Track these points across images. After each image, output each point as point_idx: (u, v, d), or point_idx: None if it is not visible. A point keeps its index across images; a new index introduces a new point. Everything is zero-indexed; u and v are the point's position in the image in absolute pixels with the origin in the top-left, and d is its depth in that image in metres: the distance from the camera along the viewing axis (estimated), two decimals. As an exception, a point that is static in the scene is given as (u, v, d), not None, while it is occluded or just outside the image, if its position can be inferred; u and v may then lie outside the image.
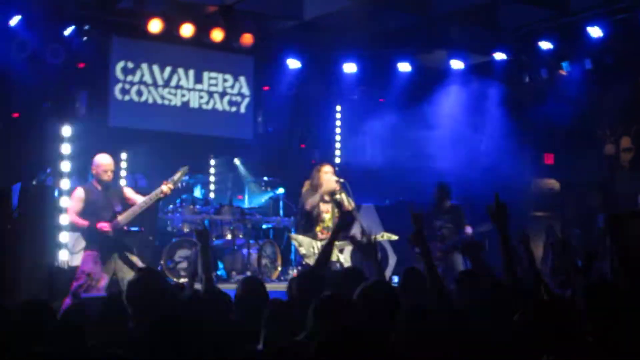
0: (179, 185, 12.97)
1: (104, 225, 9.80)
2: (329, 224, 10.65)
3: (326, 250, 6.82)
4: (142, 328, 5.04)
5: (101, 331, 5.40)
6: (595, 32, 13.44)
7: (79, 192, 10.00)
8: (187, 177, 13.82)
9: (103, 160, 10.07)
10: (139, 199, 10.12)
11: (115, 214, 9.92)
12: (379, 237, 10.78)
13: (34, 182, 12.21)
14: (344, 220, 6.71)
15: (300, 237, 10.55)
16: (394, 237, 11.07)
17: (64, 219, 11.19)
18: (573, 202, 14.85)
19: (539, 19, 14.07)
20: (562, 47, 14.27)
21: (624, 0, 13.03)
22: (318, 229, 10.53)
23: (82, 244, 10.10)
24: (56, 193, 11.68)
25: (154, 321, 4.69)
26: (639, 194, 12.82)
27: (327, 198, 10.70)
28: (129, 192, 10.32)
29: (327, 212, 10.64)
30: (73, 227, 9.96)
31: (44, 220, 11.08)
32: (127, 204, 10.12)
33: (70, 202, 10.10)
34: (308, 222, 10.58)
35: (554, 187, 15.41)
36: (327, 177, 10.67)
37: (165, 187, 10.04)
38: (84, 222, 9.82)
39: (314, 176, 10.79)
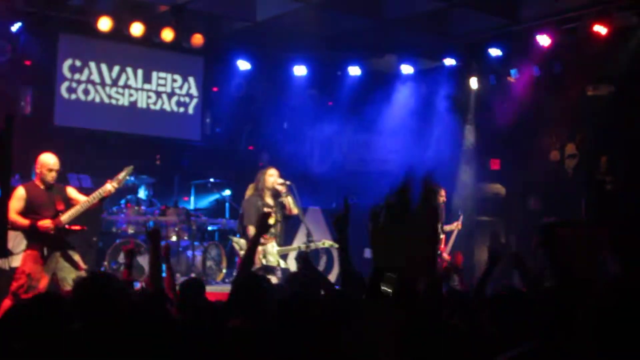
0: (124, 185, 12.87)
1: (46, 223, 9.64)
2: (273, 230, 10.63)
3: (247, 255, 6.71)
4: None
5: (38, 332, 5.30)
6: (543, 40, 13.56)
7: (20, 191, 9.79)
8: (132, 178, 13.71)
9: (48, 159, 9.89)
10: (82, 199, 9.98)
11: (57, 212, 9.76)
12: (319, 245, 10.80)
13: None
14: (262, 221, 6.61)
15: (242, 241, 10.55)
16: (335, 245, 11.08)
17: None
18: (518, 207, 14.97)
19: (489, 27, 14.17)
20: (511, 54, 14.39)
21: (572, 10, 13.17)
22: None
23: (23, 244, 9.94)
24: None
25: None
26: (582, 200, 12.96)
27: (271, 202, 10.68)
28: (73, 192, 10.16)
29: (272, 218, 10.60)
30: (13, 227, 9.75)
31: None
32: (70, 203, 9.97)
33: (12, 201, 9.89)
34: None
35: (499, 192, 15.53)
36: (272, 179, 10.66)
37: (110, 186, 9.89)
38: (25, 222, 9.63)
39: (259, 179, 10.79)
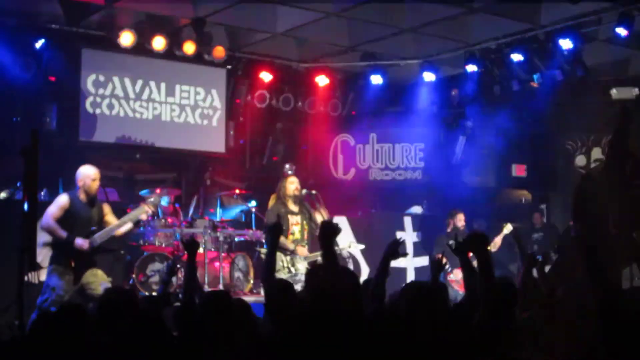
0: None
1: (82, 243, 9.57)
2: (299, 236, 10.65)
3: (268, 261, 6.73)
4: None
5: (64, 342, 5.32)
6: (565, 44, 13.51)
7: (63, 198, 9.68)
8: (158, 191, 13.77)
9: (88, 170, 9.81)
10: (113, 220, 9.93)
11: (92, 231, 9.71)
12: (345, 247, 10.78)
13: (3, 197, 12.11)
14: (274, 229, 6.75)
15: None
16: (361, 246, 11.06)
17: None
18: (543, 213, 14.91)
19: (511, 32, 14.13)
20: (533, 59, 14.33)
21: (594, 14, 13.12)
22: (290, 240, 10.50)
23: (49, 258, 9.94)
24: (25, 207, 11.54)
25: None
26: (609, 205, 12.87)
27: (295, 209, 10.70)
28: (108, 211, 10.10)
29: (297, 225, 10.61)
30: (50, 233, 9.67)
31: (14, 235, 10.93)
32: (103, 220, 9.94)
33: (52, 207, 9.81)
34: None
35: (525, 198, 15.48)
36: (293, 187, 10.69)
37: (148, 208, 9.95)
38: (62, 234, 9.56)
39: (280, 188, 10.82)
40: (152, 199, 10.19)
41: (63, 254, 9.62)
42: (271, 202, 11.02)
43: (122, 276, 11.56)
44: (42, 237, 9.81)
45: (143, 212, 9.96)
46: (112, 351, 5.03)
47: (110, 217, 9.94)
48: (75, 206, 9.67)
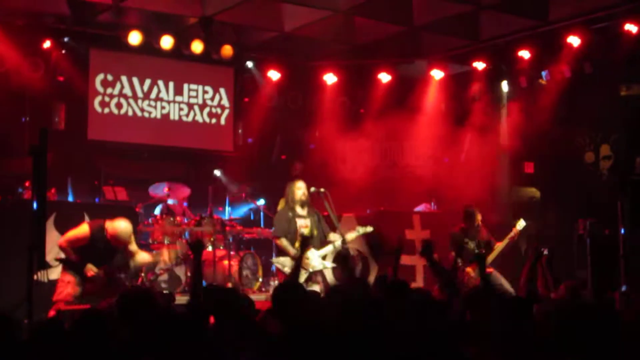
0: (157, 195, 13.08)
1: (90, 269, 9.62)
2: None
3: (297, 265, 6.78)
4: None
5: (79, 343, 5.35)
6: (574, 40, 13.48)
7: (84, 229, 9.70)
8: (166, 190, 13.79)
9: (121, 230, 9.66)
10: (135, 248, 10.02)
11: (108, 266, 9.78)
12: (354, 234, 10.73)
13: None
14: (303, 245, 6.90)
15: (282, 259, 10.54)
16: (369, 229, 11.01)
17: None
18: (553, 210, 14.86)
19: (519, 29, 14.10)
20: (541, 56, 14.29)
21: (602, 10, 13.08)
22: (297, 245, 10.45)
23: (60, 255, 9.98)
24: (34, 205, 11.56)
25: None
26: (618, 202, 12.83)
27: (303, 212, 10.69)
28: (131, 240, 10.12)
29: (306, 227, 10.62)
30: (62, 251, 9.76)
31: (22, 234, 10.95)
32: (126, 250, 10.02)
33: (72, 233, 9.83)
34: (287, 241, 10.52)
35: (534, 195, 15.43)
36: (300, 193, 10.68)
37: (167, 258, 10.76)
38: (75, 258, 9.63)
39: (288, 193, 10.81)
40: (177, 250, 10.42)
41: (73, 269, 9.69)
42: (280, 206, 11.08)
43: (131, 276, 11.53)
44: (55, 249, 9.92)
45: (160, 259, 10.65)
46: (133, 348, 5.06)
47: (132, 246, 10.00)
48: (95, 240, 9.66)
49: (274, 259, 11.22)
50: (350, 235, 10.66)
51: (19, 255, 9.89)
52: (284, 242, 10.48)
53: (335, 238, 10.69)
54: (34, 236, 8.45)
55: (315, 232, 10.73)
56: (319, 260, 10.49)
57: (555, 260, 8.61)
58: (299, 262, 6.58)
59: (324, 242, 10.91)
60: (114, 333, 5.38)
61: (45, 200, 8.93)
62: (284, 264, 10.36)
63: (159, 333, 5.00)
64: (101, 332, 5.23)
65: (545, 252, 8.28)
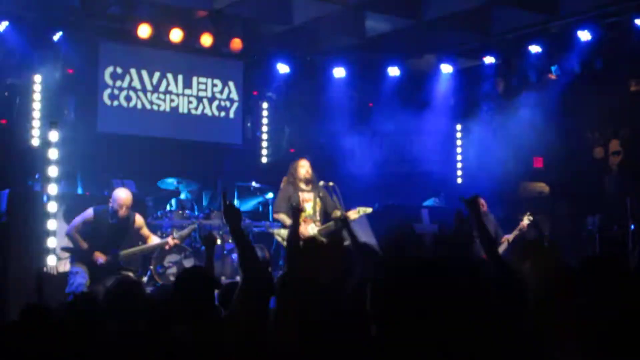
0: (166, 189, 13.09)
1: (100, 257, 9.76)
2: (310, 212, 10.78)
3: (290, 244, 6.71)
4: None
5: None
6: (584, 36, 13.46)
7: (89, 213, 9.96)
8: (174, 183, 13.81)
9: (121, 194, 10.03)
10: (145, 231, 10.40)
11: (116, 250, 9.90)
12: (354, 214, 10.76)
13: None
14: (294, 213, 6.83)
15: (282, 231, 10.63)
16: (369, 210, 11.04)
17: (51, 224, 11.10)
18: (562, 205, 14.84)
19: (529, 23, 14.07)
20: (551, 50, 14.27)
21: (613, 4, 13.05)
22: (300, 219, 10.50)
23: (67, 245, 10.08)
24: (44, 198, 11.62)
25: None
26: (627, 197, 12.82)
27: (306, 187, 10.77)
28: (141, 223, 10.31)
29: (309, 201, 10.70)
30: (71, 240, 9.89)
31: (33, 226, 11.01)
32: (136, 233, 10.19)
33: (78, 219, 10.01)
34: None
35: (543, 190, 15.42)
36: (303, 170, 10.82)
37: (171, 241, 10.44)
38: (84, 244, 9.77)
39: (291, 170, 10.93)
40: (181, 233, 10.55)
41: (82, 259, 9.79)
42: (281, 185, 11.18)
43: (139, 268, 11.57)
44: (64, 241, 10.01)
45: (165, 243, 10.54)
46: (120, 340, 5.08)
47: (144, 230, 10.22)
48: (100, 221, 9.83)
49: (275, 230, 11.31)
50: (353, 214, 10.68)
51: (28, 247, 9.97)
52: (281, 216, 10.63)
53: (338, 215, 10.77)
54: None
55: (318, 207, 10.82)
56: (317, 237, 10.57)
57: (564, 255, 8.57)
58: (292, 231, 6.51)
59: (328, 219, 11.00)
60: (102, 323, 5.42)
61: (55, 193, 9.02)
62: (284, 236, 10.47)
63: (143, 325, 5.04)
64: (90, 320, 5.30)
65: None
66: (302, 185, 10.93)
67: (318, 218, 10.98)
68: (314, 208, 10.83)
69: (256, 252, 5.25)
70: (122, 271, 9.94)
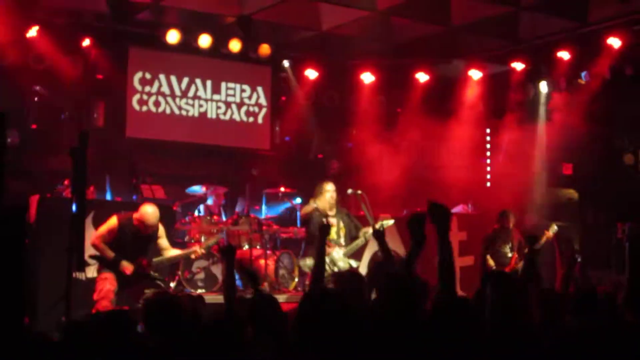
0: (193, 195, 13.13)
1: (127, 267, 9.71)
2: (335, 237, 10.73)
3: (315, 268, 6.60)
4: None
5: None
6: (614, 42, 13.37)
7: (113, 222, 9.82)
8: (202, 188, 13.82)
9: (149, 216, 9.81)
10: (169, 251, 10.23)
11: (141, 259, 9.86)
12: (376, 226, 10.72)
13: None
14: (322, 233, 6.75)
15: (308, 261, 10.63)
16: (391, 222, 11.00)
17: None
18: (592, 212, 14.75)
19: (558, 29, 14.00)
20: (580, 57, 14.19)
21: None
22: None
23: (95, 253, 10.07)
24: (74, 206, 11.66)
25: None
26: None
27: (332, 213, 10.76)
28: (161, 233, 10.21)
29: (333, 226, 10.67)
30: (97, 250, 9.87)
31: (61, 232, 11.04)
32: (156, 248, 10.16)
33: (102, 228, 9.95)
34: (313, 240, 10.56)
35: (572, 197, 15.33)
36: (329, 195, 10.77)
37: (199, 250, 10.39)
38: (110, 254, 9.72)
39: (317, 194, 10.94)
40: (207, 242, 10.69)
41: (109, 267, 9.78)
42: (308, 207, 11.15)
43: (167, 274, 11.60)
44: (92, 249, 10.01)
45: (192, 252, 10.45)
46: (159, 355, 5.06)
47: (162, 241, 10.13)
48: (124, 231, 9.77)
49: (300, 261, 11.34)
50: (377, 226, 10.66)
51: (57, 254, 10.00)
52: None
53: (363, 232, 10.75)
54: (72, 237, 8.54)
55: (342, 232, 10.81)
56: (344, 260, 10.57)
57: (592, 265, 8.56)
58: (320, 252, 6.40)
59: (353, 240, 10.98)
60: (140, 339, 5.38)
61: (84, 202, 9.02)
62: (310, 266, 10.43)
63: (187, 342, 4.97)
64: (125, 336, 5.24)
65: (579, 259, 8.28)
66: (328, 210, 10.91)
67: (342, 243, 10.97)
68: (337, 233, 10.82)
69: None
70: (151, 279, 9.93)
